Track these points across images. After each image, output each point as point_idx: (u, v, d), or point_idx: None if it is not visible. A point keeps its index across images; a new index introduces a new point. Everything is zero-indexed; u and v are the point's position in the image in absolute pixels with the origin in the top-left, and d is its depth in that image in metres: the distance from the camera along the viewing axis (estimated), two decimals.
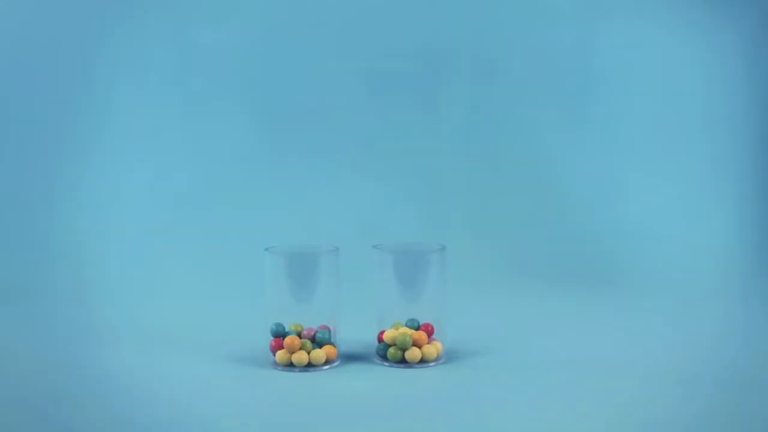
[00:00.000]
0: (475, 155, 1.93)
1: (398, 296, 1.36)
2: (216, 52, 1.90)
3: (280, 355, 1.34)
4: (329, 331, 1.36)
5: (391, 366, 1.36)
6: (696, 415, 1.18)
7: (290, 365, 1.34)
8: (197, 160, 1.88)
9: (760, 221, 1.91)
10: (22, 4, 1.85)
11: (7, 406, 1.21)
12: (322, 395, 1.25)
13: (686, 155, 1.94)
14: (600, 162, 1.93)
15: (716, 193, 1.92)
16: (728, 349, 1.44)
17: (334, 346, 1.36)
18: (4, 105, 1.84)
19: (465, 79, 1.94)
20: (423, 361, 1.35)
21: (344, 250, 1.37)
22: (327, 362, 1.35)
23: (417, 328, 1.37)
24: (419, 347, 1.36)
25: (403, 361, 1.36)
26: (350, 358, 1.38)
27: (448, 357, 1.38)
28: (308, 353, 1.34)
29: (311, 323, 1.35)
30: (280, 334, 1.35)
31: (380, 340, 1.37)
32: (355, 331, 1.40)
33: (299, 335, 1.35)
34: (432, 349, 1.36)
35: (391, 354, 1.36)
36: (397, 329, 1.37)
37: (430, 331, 1.37)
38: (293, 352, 1.33)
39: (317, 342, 1.35)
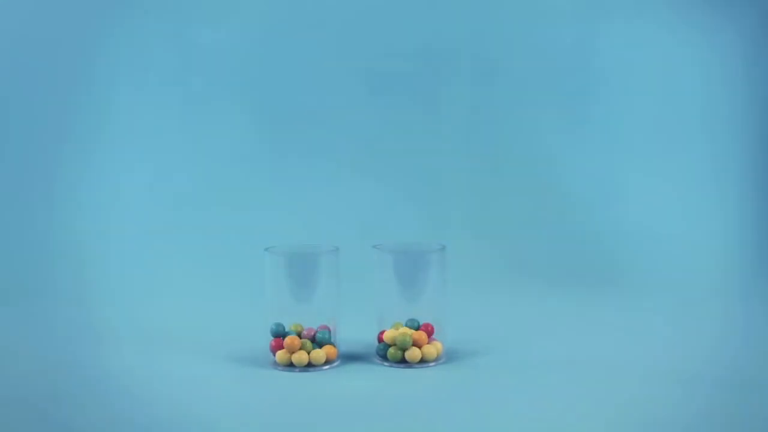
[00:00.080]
0: (475, 155, 1.93)
1: (398, 296, 1.36)
2: (216, 52, 1.90)
3: (280, 355, 1.34)
4: (329, 331, 1.36)
5: (391, 366, 1.36)
6: (696, 415, 1.18)
7: (290, 365, 1.34)
8: (197, 160, 1.88)
9: (760, 221, 1.91)
10: (22, 4, 1.85)
11: (7, 406, 1.21)
12: (322, 395, 1.25)
13: (686, 155, 1.94)
14: (600, 162, 1.93)
15: (716, 193, 1.92)
16: (728, 349, 1.44)
17: (334, 346, 1.36)
18: (4, 105, 1.84)
19: (465, 79, 1.94)
20: (423, 361, 1.35)
21: (344, 250, 1.37)
22: (327, 362, 1.35)
23: (417, 328, 1.37)
24: (419, 347, 1.36)
25: (403, 361, 1.36)
26: (350, 358, 1.38)
27: (448, 357, 1.38)
28: (308, 353, 1.34)
29: (311, 323, 1.35)
30: (280, 334, 1.35)
31: (380, 340, 1.37)
32: (355, 331, 1.40)
33: (299, 335, 1.35)
34: (432, 349, 1.36)
35: (391, 354, 1.36)
36: (397, 329, 1.37)
37: (430, 331, 1.37)
38: (293, 352, 1.33)
39: (317, 342, 1.34)
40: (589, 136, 1.94)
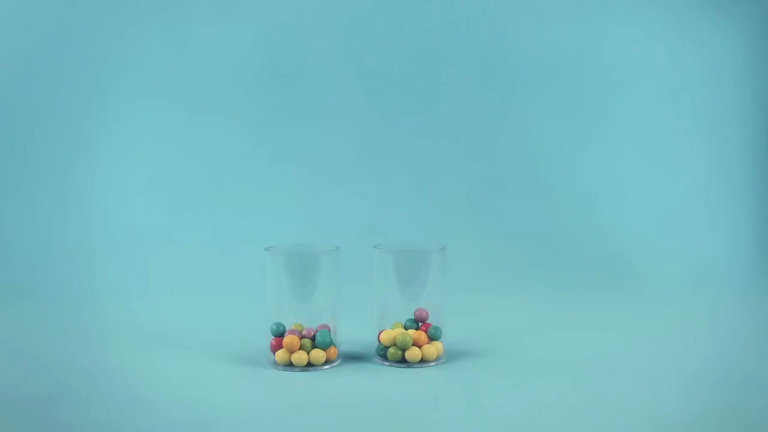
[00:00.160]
0: (475, 155, 1.93)
1: (398, 296, 1.36)
2: (216, 52, 1.90)
3: (280, 354, 1.34)
4: (329, 332, 1.35)
5: (391, 366, 1.36)
6: (696, 416, 1.18)
7: (290, 365, 1.34)
8: (197, 160, 1.88)
9: (761, 221, 1.91)
10: (22, 4, 1.85)
11: (7, 406, 1.21)
12: (322, 395, 1.25)
13: (687, 155, 1.94)
14: (600, 162, 1.93)
15: (717, 192, 1.92)
16: (729, 349, 1.44)
17: (334, 346, 1.36)
18: (4, 105, 1.84)
19: (465, 79, 1.94)
20: (423, 361, 1.35)
21: (344, 250, 1.36)
22: (327, 362, 1.35)
23: (417, 329, 1.37)
24: (419, 347, 1.36)
25: (403, 361, 1.36)
26: (350, 358, 1.38)
27: (448, 357, 1.38)
28: (308, 353, 1.33)
29: (311, 323, 1.35)
30: (280, 334, 1.35)
31: (380, 340, 1.37)
32: (355, 331, 1.40)
33: (300, 334, 1.34)
34: (432, 349, 1.36)
35: (391, 354, 1.36)
36: (395, 330, 1.37)
37: (425, 317, 1.37)
38: (292, 352, 1.33)
39: (317, 346, 1.34)
40: (589, 135, 1.94)
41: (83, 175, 1.85)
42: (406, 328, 1.37)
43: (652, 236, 1.88)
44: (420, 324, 1.38)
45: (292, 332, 1.34)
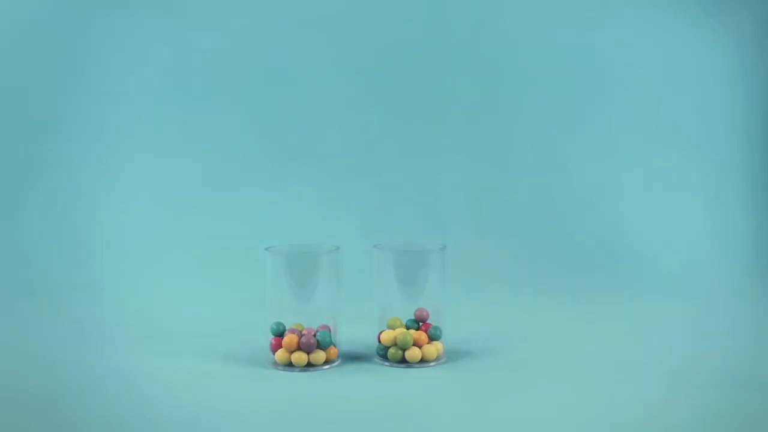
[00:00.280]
0: (475, 155, 1.93)
1: (398, 296, 1.36)
2: (216, 52, 1.90)
3: (280, 354, 1.34)
4: (329, 332, 1.35)
5: (391, 366, 1.36)
6: (696, 415, 1.18)
7: (290, 365, 1.34)
8: (197, 160, 1.88)
9: (760, 221, 1.91)
10: (21, 6, 1.85)
11: (7, 406, 1.21)
12: (322, 395, 1.25)
13: (687, 155, 1.94)
14: (600, 162, 1.93)
15: (716, 192, 1.92)
16: (728, 349, 1.44)
17: (334, 346, 1.36)
18: (4, 105, 1.84)
19: (465, 78, 1.94)
20: (423, 361, 1.35)
21: (344, 250, 1.37)
22: (327, 362, 1.35)
23: (418, 329, 1.37)
24: (419, 347, 1.36)
25: (403, 361, 1.36)
26: (350, 358, 1.38)
27: (448, 357, 1.38)
28: (308, 353, 1.33)
29: (311, 323, 1.35)
30: (280, 334, 1.35)
31: (380, 340, 1.37)
32: (355, 331, 1.40)
33: (300, 335, 1.34)
34: (432, 349, 1.36)
35: (391, 354, 1.36)
36: (395, 324, 1.36)
37: (425, 317, 1.37)
38: (292, 352, 1.33)
39: (319, 346, 1.34)
40: (589, 135, 1.94)
41: (83, 175, 1.85)
42: (407, 327, 1.37)
43: (651, 236, 1.88)
44: (420, 324, 1.38)
45: (292, 331, 1.34)
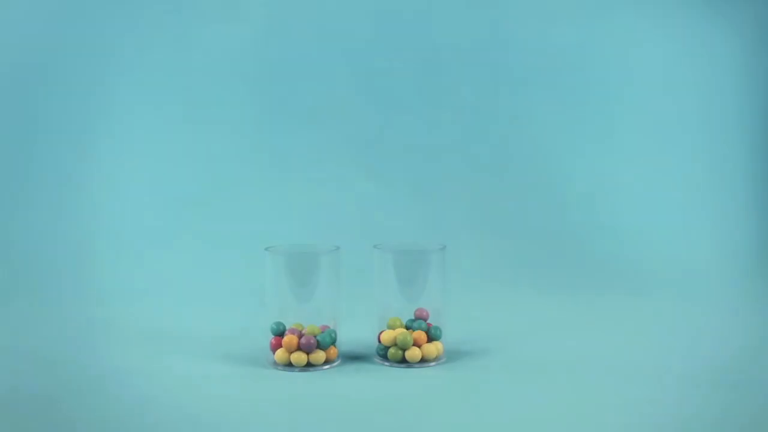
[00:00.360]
0: (475, 155, 1.93)
1: (398, 296, 1.36)
2: (217, 52, 1.90)
3: (280, 354, 1.34)
4: (335, 332, 1.35)
5: (391, 366, 1.36)
6: (696, 416, 1.18)
7: (290, 365, 1.34)
8: (198, 160, 1.89)
9: (761, 221, 1.91)
10: (22, 5, 1.85)
11: (7, 406, 1.21)
12: (322, 395, 1.25)
13: (686, 155, 1.94)
14: (600, 161, 1.93)
15: (717, 192, 1.92)
16: (728, 350, 1.44)
17: (335, 346, 1.36)
18: (5, 106, 1.84)
19: (465, 79, 1.94)
20: (423, 361, 1.35)
21: (344, 250, 1.36)
22: (327, 362, 1.34)
23: (425, 327, 1.37)
24: (419, 347, 1.36)
25: (403, 361, 1.36)
26: (350, 358, 1.38)
27: (448, 357, 1.38)
28: (307, 353, 1.33)
29: (311, 323, 1.35)
30: (280, 333, 1.35)
31: (380, 340, 1.37)
32: (355, 331, 1.40)
33: (300, 337, 1.34)
34: (432, 349, 1.36)
35: (391, 354, 1.36)
36: (395, 324, 1.36)
37: (425, 317, 1.37)
38: (291, 351, 1.33)
39: (320, 346, 1.34)
40: (589, 135, 1.94)
41: (84, 175, 1.85)
42: (408, 328, 1.37)
43: (652, 236, 1.88)
44: (426, 322, 1.38)
45: (292, 331, 1.34)
